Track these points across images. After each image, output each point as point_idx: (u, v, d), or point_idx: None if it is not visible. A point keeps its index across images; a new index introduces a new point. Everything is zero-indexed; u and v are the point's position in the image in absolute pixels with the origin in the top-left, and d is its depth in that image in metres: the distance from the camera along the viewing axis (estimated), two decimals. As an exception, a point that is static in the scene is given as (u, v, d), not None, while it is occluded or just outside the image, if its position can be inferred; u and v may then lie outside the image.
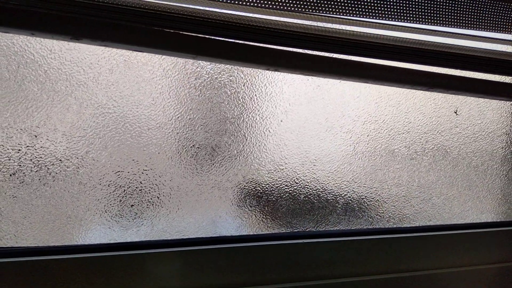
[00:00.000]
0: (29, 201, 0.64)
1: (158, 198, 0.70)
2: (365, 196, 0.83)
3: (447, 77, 0.60)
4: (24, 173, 0.63)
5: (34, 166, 0.64)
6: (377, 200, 0.84)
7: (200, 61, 0.67)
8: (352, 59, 0.53)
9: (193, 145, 0.70)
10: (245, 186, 0.74)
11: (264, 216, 0.77)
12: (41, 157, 0.64)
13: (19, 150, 0.62)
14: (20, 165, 0.63)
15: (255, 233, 0.77)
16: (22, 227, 0.65)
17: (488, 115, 0.89)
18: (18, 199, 0.64)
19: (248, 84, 0.71)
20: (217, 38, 0.46)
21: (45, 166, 0.64)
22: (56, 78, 0.62)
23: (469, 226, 0.87)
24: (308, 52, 0.48)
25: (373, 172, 0.82)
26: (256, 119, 0.73)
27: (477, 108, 0.88)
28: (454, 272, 0.84)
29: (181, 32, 0.45)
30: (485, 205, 0.92)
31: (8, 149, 0.62)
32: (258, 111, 0.73)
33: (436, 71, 0.60)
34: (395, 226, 0.84)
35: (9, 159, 0.62)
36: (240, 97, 0.71)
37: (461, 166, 0.89)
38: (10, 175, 0.63)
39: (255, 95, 0.72)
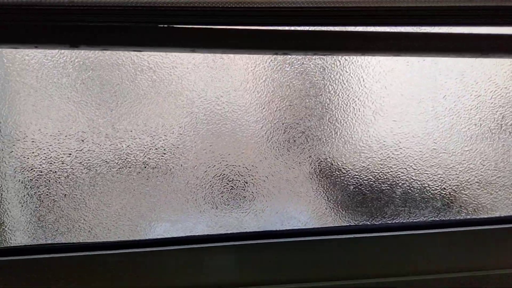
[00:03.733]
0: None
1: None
2: (428, 185, 0.72)
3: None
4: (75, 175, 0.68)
5: (84, 168, 0.68)
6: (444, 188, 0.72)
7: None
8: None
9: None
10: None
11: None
12: (89, 160, 0.68)
13: (70, 154, 0.67)
14: (72, 168, 0.68)
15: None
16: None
17: None
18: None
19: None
20: (215, 27, 0.42)
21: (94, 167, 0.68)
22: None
23: None
24: (318, 29, 0.42)
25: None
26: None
27: None
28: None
29: (175, 26, 0.42)
30: None
31: (60, 154, 0.67)
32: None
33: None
34: (468, 217, 0.72)
35: (63, 164, 0.67)
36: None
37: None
38: (65, 177, 0.68)
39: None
